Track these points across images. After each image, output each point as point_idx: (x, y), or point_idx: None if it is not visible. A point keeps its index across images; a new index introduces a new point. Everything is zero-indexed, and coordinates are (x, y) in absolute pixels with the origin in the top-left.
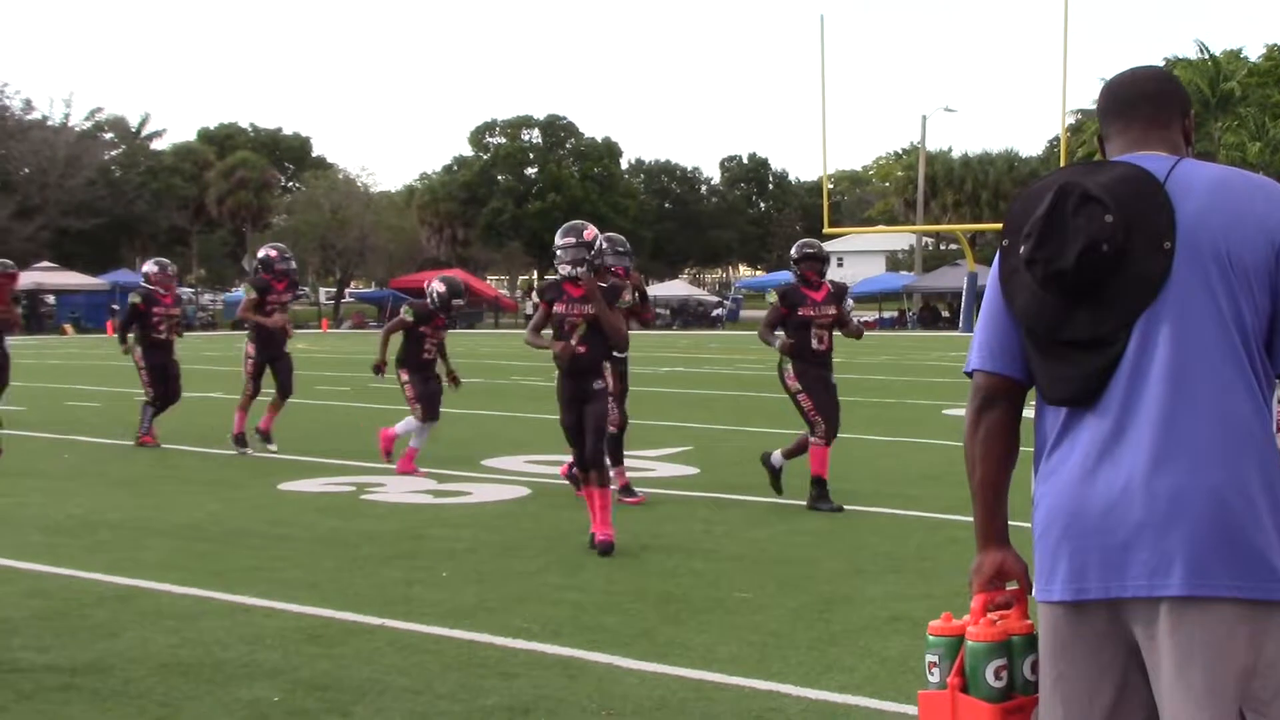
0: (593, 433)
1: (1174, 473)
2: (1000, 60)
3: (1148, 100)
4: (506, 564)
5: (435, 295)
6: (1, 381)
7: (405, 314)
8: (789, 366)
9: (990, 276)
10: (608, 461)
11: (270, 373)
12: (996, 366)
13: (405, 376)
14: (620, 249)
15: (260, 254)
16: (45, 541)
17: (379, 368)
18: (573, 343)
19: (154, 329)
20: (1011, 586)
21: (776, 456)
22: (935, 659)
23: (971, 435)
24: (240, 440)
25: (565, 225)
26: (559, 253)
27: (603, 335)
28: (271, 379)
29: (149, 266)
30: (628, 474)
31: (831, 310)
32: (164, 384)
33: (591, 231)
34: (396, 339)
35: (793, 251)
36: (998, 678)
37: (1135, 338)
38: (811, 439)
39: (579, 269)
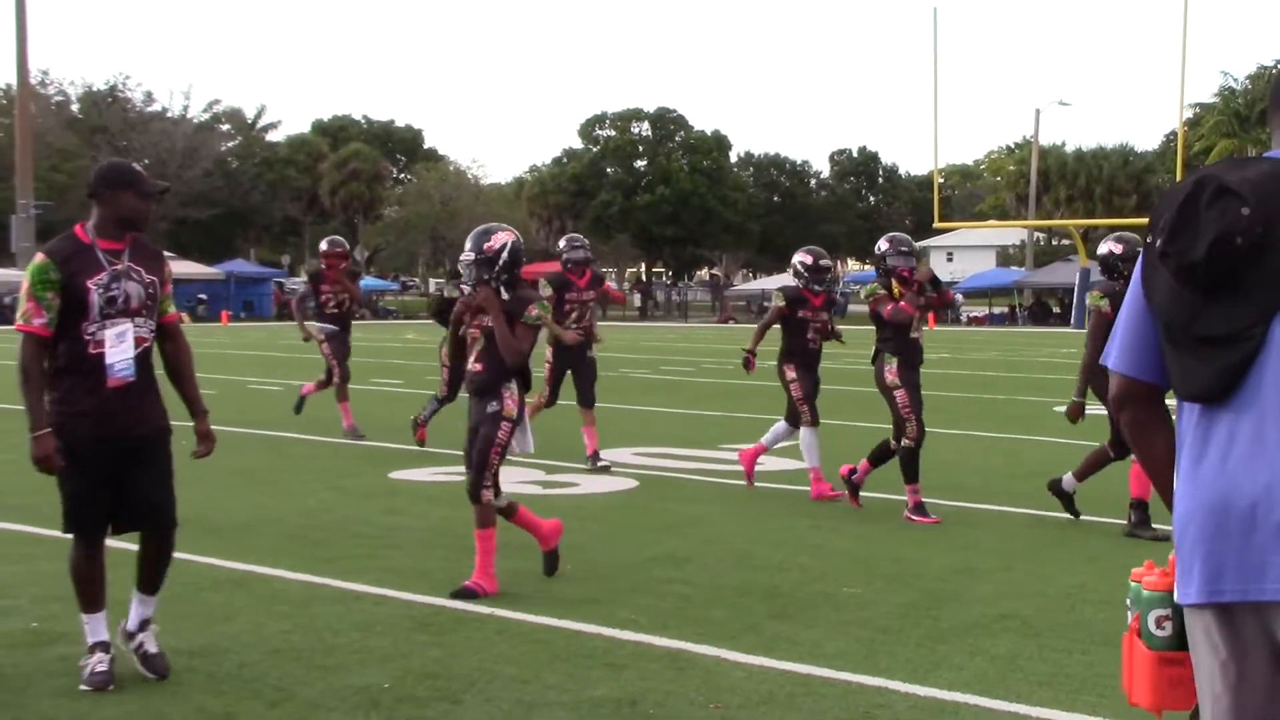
0: (474, 462)
1: None
2: (1116, 53)
3: None
4: (614, 555)
5: (801, 266)
6: (342, 373)
7: (778, 299)
8: None
9: (1133, 274)
10: (485, 496)
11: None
12: (1126, 368)
13: (791, 374)
14: (904, 249)
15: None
16: None
17: (750, 362)
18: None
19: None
20: None
21: (1068, 480)
22: (1128, 603)
23: (1120, 424)
24: (594, 459)
25: (475, 230)
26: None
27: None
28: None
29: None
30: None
31: None
32: (459, 385)
33: (497, 241)
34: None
35: (1114, 249)
36: (1159, 627)
37: (1274, 333)
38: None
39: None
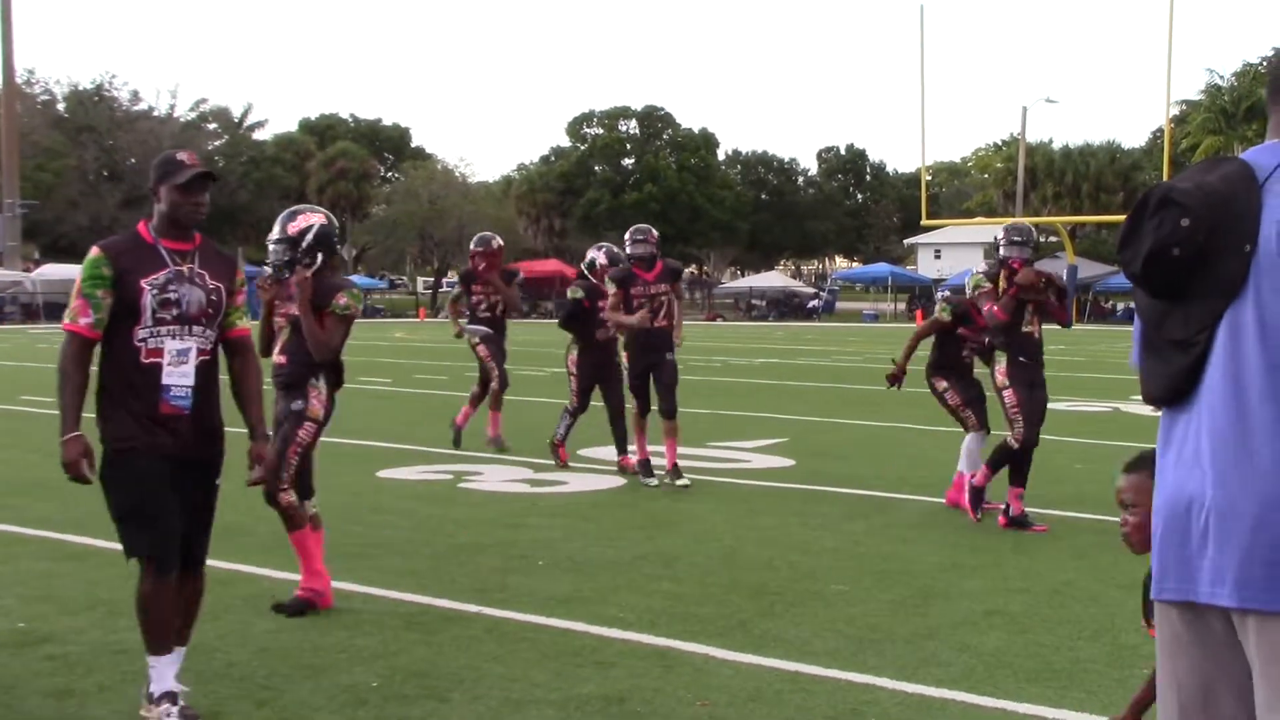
0: (269, 461)
1: (1234, 482)
2: (1103, 50)
3: None
4: (602, 553)
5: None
6: (501, 379)
7: (942, 313)
8: None
9: None
10: (284, 499)
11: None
12: (1137, 363)
13: (943, 384)
14: (1017, 238)
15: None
16: None
17: (897, 377)
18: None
19: (599, 326)
20: None
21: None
22: None
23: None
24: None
25: (284, 211)
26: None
27: (328, 346)
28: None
29: (596, 255)
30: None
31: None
32: (589, 394)
33: (303, 221)
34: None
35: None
36: None
37: (1218, 341)
38: None
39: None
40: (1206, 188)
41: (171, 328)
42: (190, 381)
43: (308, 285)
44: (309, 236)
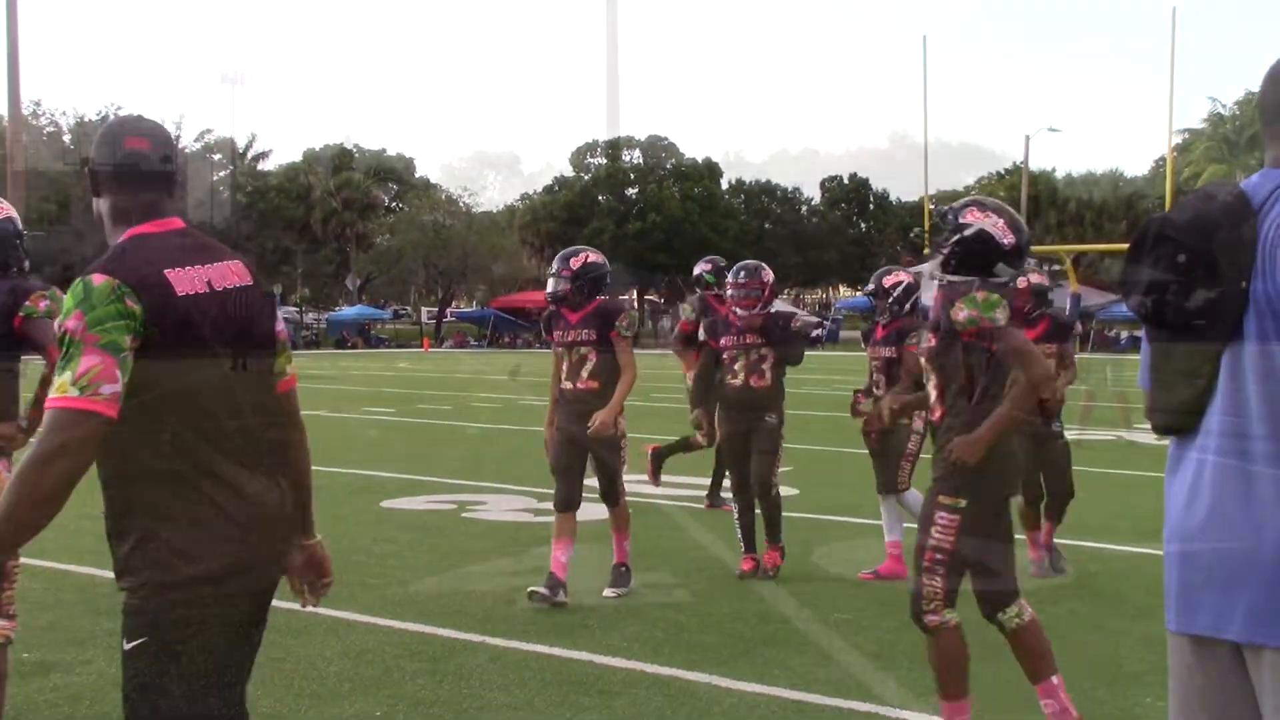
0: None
1: (1242, 516)
2: (1106, 79)
3: None
4: (606, 582)
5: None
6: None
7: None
8: None
9: None
10: None
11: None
12: (1144, 384)
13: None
14: None
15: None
16: None
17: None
18: None
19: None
20: None
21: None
22: None
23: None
24: None
25: None
26: None
27: None
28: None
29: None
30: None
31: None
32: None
33: None
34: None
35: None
36: None
37: (1223, 374)
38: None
39: None
40: (1201, 222)
41: None
42: None
43: None
44: None
